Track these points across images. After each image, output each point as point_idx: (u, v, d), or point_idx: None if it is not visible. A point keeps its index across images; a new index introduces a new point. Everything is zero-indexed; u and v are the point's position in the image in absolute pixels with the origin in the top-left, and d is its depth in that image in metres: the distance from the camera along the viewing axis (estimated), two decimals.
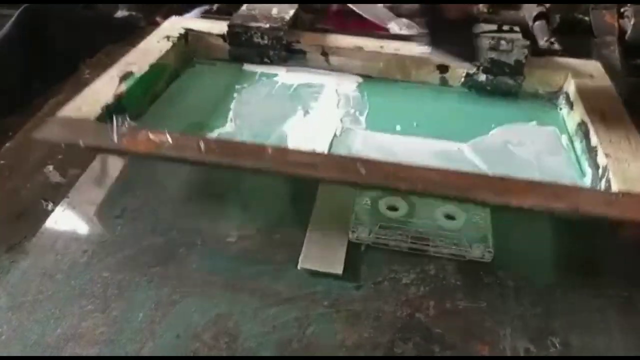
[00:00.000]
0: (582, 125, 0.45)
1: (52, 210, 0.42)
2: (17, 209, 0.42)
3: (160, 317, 0.35)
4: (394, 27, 0.59)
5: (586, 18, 0.60)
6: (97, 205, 0.43)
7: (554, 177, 0.41)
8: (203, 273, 0.37)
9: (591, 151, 0.42)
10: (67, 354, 0.33)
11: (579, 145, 0.45)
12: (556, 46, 0.55)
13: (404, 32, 0.58)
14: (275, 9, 0.55)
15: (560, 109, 0.50)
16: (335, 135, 0.46)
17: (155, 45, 0.51)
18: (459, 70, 0.51)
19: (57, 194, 0.43)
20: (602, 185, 0.39)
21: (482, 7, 0.62)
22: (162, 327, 0.34)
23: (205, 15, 0.64)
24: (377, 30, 0.61)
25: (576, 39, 0.60)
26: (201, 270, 0.38)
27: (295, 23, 0.55)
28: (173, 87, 0.52)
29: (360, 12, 0.61)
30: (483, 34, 0.49)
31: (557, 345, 0.34)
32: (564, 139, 0.46)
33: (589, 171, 0.42)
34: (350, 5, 0.62)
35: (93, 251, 0.39)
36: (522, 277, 0.37)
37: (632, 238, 0.39)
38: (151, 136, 0.38)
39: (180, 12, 0.63)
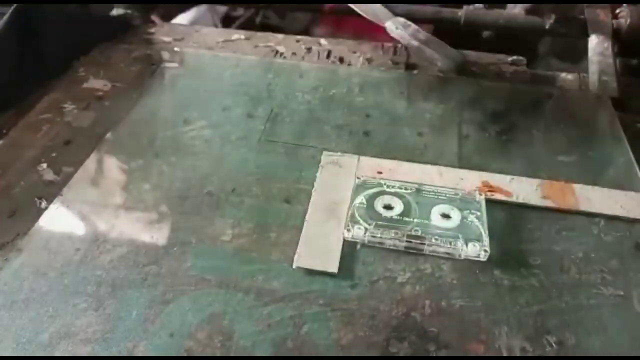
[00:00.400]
0: None
1: (46, 209, 0.42)
2: (11, 206, 0.42)
3: (153, 315, 0.34)
4: (391, 26, 0.59)
5: (581, 16, 0.60)
6: (91, 203, 0.42)
7: None
8: (197, 271, 0.37)
9: None
10: (60, 353, 0.33)
11: None
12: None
13: (400, 31, 0.58)
14: None
15: None
16: None
17: None
18: None
19: (51, 192, 0.43)
20: None
21: None
22: (156, 326, 0.34)
23: None
24: (373, 29, 0.61)
25: (572, 38, 0.60)
26: (195, 268, 0.37)
27: None
28: None
29: (359, 11, 0.61)
30: None
31: (553, 344, 0.34)
32: None
33: None
34: (351, 5, 0.61)
35: (86, 249, 0.38)
36: (518, 276, 0.37)
37: None
38: None
39: (175, 12, 0.63)
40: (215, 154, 0.47)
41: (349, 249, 0.39)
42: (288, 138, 0.49)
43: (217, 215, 0.41)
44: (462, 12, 0.63)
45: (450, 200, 0.41)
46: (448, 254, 0.38)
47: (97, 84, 0.56)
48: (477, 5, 0.63)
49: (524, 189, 0.43)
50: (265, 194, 0.43)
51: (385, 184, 0.43)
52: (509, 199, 0.42)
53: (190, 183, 0.44)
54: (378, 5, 0.61)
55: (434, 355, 0.33)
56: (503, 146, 0.49)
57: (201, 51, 0.62)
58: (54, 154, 0.47)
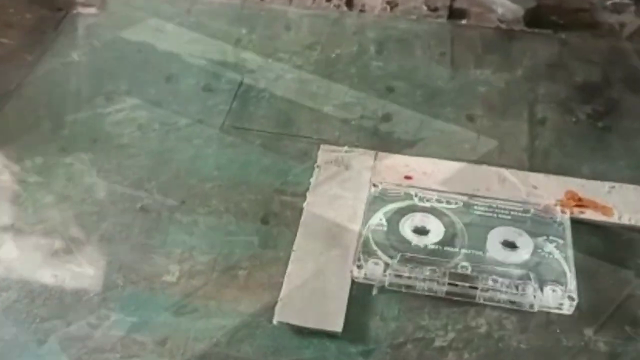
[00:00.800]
0: None
1: None
2: None
3: None
4: None
5: None
6: None
7: None
8: (125, 330, 0.37)
9: None
10: None
11: None
12: None
13: None
14: None
15: None
16: None
17: None
18: None
19: None
20: None
21: None
22: None
23: None
24: None
25: None
26: (122, 325, 0.37)
27: None
28: None
29: None
30: None
31: None
32: None
33: None
34: None
35: None
36: (620, 338, 0.37)
37: None
38: None
39: None
40: (154, 148, 0.47)
41: (361, 295, 0.39)
42: (266, 124, 0.49)
43: (157, 243, 0.41)
44: None
45: (516, 220, 0.42)
46: (513, 303, 0.38)
47: None
48: None
49: (630, 204, 0.43)
50: (232, 210, 0.43)
51: (416, 195, 0.43)
52: (608, 219, 0.43)
53: (115, 193, 0.44)
54: None
55: None
56: (599, 137, 0.49)
57: None
58: None
